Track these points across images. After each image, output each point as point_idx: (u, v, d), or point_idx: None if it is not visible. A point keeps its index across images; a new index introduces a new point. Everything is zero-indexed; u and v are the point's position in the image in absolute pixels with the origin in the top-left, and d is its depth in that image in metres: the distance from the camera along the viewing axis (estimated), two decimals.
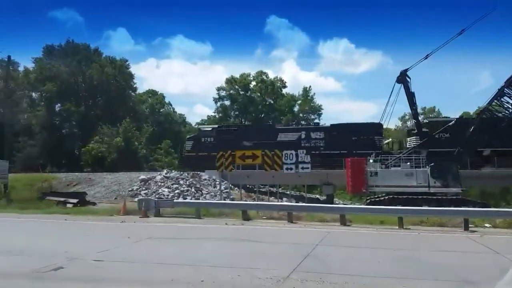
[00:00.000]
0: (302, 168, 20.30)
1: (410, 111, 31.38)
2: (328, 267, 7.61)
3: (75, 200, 21.58)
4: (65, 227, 14.44)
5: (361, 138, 31.20)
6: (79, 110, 51.07)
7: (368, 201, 25.78)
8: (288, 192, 29.64)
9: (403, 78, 26.36)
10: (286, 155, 20.15)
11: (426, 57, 26.63)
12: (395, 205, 18.46)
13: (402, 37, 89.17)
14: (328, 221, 15.14)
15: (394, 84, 26.43)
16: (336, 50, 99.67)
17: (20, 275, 6.76)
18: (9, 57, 26.43)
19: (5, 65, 28.53)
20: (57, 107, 52.98)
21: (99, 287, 6.24)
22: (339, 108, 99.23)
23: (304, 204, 19.50)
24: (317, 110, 61.02)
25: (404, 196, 23.55)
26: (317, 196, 36.43)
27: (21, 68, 52.34)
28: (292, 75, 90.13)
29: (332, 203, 27.54)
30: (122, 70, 55.48)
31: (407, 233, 13.05)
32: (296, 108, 61.54)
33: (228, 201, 20.50)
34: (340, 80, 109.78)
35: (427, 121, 34.78)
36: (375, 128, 32.04)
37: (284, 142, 31.61)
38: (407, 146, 31.45)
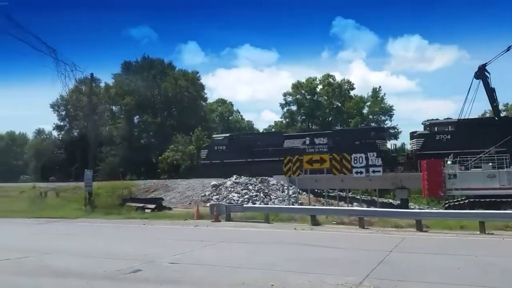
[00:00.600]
0: (373, 171, 19.64)
1: (490, 108, 29.15)
2: (403, 274, 7.26)
3: (152, 206, 22.85)
4: (144, 231, 15.33)
5: (363, 142, 31.06)
6: (155, 121, 54.19)
7: (447, 205, 24.22)
8: (358, 197, 28.80)
9: (481, 73, 24.58)
10: (355, 158, 19.63)
11: (508, 49, 24.57)
12: (476, 209, 17.13)
13: (479, 29, 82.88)
14: (403, 227, 14.44)
15: (472, 80, 24.76)
16: (407, 47, 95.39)
17: (103, 276, 7.30)
18: (91, 74, 28.68)
19: (89, 82, 31.08)
20: (136, 119, 56.83)
21: None
22: (412, 108, 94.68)
23: (376, 209, 18.79)
24: (388, 111, 58.63)
25: (487, 199, 21.80)
26: (390, 200, 34.90)
27: (102, 84, 56.85)
28: (361, 76, 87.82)
29: (407, 207, 26.24)
30: (194, 82, 58.05)
31: (490, 238, 12.07)
32: (365, 110, 59.71)
33: (296, 206, 20.42)
34: (412, 79, 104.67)
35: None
36: (376, 132, 33.07)
37: (290, 148, 32.72)
38: (410, 149, 30.42)
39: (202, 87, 60.12)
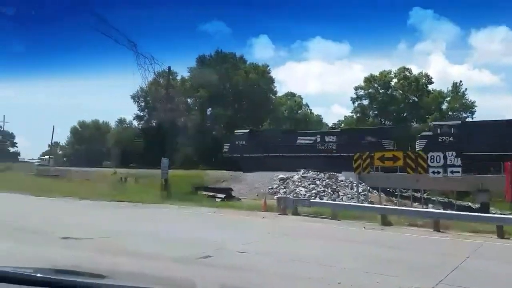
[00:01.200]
0: (452, 172, 18.49)
1: None
2: (480, 283, 6.81)
3: (222, 195, 23.60)
4: (214, 219, 15.94)
5: (370, 142, 31.59)
6: (226, 113, 55.72)
7: None
8: (434, 198, 27.29)
9: None
10: (432, 157, 18.61)
11: None
12: None
13: None
14: (482, 232, 13.44)
15: None
16: (492, 39, 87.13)
17: (175, 259, 7.72)
18: (169, 68, 30.19)
19: (166, 75, 32.73)
20: (208, 111, 58.88)
21: (241, 276, 6.76)
22: (497, 104, 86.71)
23: (453, 212, 17.67)
24: (470, 108, 54.57)
25: None
26: (469, 203, 32.61)
27: (178, 77, 59.50)
28: (440, 69, 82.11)
29: (487, 212, 24.32)
30: (264, 75, 58.67)
31: None
32: (444, 106, 56.13)
33: (367, 204, 19.88)
34: (497, 73, 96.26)
35: None
36: (383, 132, 35.22)
37: (302, 145, 34.69)
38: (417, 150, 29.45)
39: (272, 80, 60.58)
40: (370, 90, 59.02)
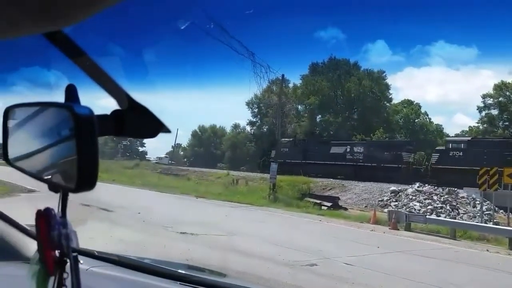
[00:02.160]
0: None
1: None
2: None
3: (329, 204, 23.32)
4: (320, 227, 15.85)
5: (391, 153, 34.32)
6: (336, 120, 54.97)
7: None
8: None
9: None
10: None
11: None
12: None
13: None
14: None
15: None
16: None
17: (281, 263, 7.92)
18: (283, 75, 31.02)
19: (279, 83, 33.63)
20: (318, 118, 58.71)
21: None
22: None
23: None
24: None
25: None
26: None
27: (290, 85, 60.51)
28: None
29: None
30: (379, 82, 56.51)
31: None
32: None
33: (491, 225, 17.81)
34: None
35: None
36: (403, 145, 36.78)
37: (334, 153, 37.26)
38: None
39: (387, 87, 58.07)
40: (500, 99, 52.68)
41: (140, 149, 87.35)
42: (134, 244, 7.55)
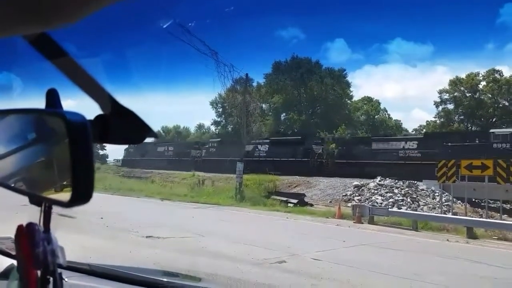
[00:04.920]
0: None
1: None
2: None
3: (295, 201, 23.53)
4: (287, 224, 15.97)
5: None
6: (300, 118, 55.68)
7: None
8: None
9: None
10: None
11: None
12: None
13: None
14: None
15: None
16: None
17: (250, 263, 7.90)
18: (246, 74, 31.07)
19: (243, 82, 33.66)
20: (282, 116, 59.23)
21: (317, 284, 6.73)
22: None
23: None
24: None
25: None
26: None
27: (254, 84, 60.65)
28: None
29: None
30: (340, 80, 57.71)
31: None
32: None
33: (450, 215, 18.61)
34: None
35: None
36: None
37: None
38: None
39: (347, 84, 59.39)
40: (455, 94, 55.18)
41: (101, 152, 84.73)
42: (98, 250, 7.28)
